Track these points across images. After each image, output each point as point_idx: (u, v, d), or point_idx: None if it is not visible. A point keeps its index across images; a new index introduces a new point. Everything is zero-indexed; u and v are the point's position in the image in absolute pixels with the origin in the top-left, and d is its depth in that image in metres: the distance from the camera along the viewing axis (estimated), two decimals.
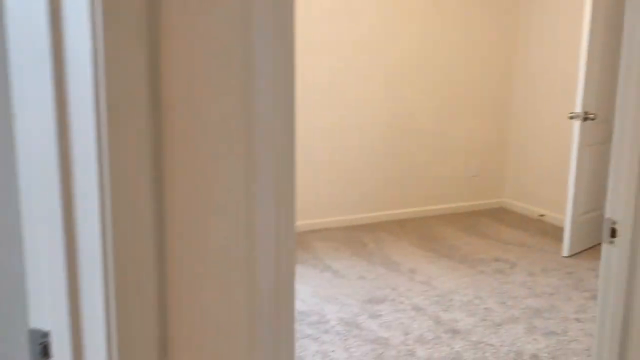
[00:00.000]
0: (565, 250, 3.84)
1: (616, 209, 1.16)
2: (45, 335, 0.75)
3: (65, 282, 0.69)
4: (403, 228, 4.51)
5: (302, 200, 4.34)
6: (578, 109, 3.66)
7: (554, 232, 4.40)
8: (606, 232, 1.16)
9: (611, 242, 1.16)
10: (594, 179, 3.92)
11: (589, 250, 3.99)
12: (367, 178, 4.58)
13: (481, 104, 4.91)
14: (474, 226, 4.57)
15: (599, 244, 4.16)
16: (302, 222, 4.39)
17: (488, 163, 5.06)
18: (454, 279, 3.46)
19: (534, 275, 3.53)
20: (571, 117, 3.71)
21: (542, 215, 4.78)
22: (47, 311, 0.73)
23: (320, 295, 3.23)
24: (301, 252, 3.92)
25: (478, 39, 4.77)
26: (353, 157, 4.50)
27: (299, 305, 3.05)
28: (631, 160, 1.11)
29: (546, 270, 3.61)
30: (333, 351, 2.62)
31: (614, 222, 1.17)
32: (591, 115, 3.68)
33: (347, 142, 4.45)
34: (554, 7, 4.51)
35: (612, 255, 1.11)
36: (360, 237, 4.25)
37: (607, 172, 4.04)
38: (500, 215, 4.91)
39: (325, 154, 4.39)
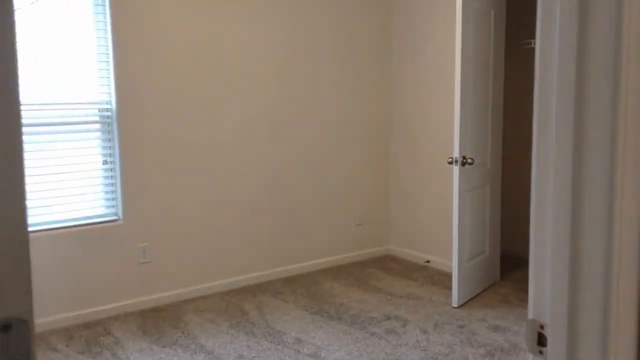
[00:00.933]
0: (455, 300, 3.68)
1: (542, 308, 0.88)
2: (542, 327, 0.87)
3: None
4: (289, 287, 4.13)
5: (173, 264, 3.83)
6: (456, 153, 3.57)
7: (441, 279, 4.26)
8: (531, 340, 0.88)
9: (540, 353, 0.88)
10: (477, 222, 3.84)
11: (477, 297, 3.87)
12: (247, 235, 4.18)
13: (361, 151, 4.75)
14: (362, 278, 4.31)
15: (485, 289, 4.14)
16: (173, 291, 3.86)
17: (372, 211, 4.88)
18: (345, 347, 3.12)
19: (427, 332, 3.30)
20: (450, 162, 3.61)
21: (427, 262, 4.65)
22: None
23: None
24: (170, 329, 3.39)
25: (355, 86, 4.63)
26: (230, 213, 4.08)
27: None
28: (559, 238, 0.84)
29: (438, 325, 3.40)
30: None
31: (541, 326, 0.88)
32: (469, 160, 3.61)
33: (222, 197, 4.03)
34: (427, 52, 4.50)
35: None
36: (241, 304, 3.80)
37: (488, 214, 4.01)
38: (388, 263, 4.72)
39: (197, 211, 3.93)
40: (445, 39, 4.30)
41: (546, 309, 0.87)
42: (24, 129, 3.33)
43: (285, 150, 4.31)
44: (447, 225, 4.44)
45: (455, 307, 3.67)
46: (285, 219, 4.36)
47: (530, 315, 0.90)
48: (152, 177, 3.72)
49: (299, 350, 3.08)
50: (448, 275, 4.34)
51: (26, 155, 3.33)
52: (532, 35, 4.50)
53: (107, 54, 3.52)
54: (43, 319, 3.38)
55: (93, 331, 3.39)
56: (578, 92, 0.80)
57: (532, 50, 4.53)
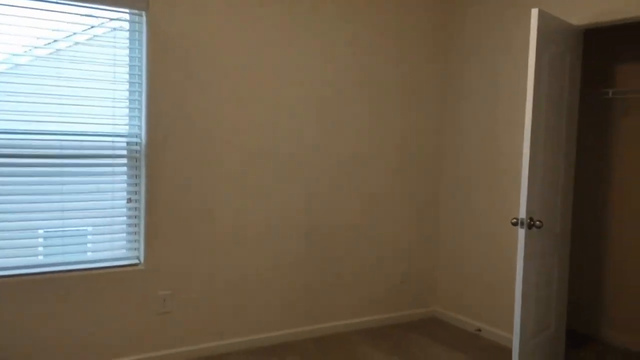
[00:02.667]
0: None
1: None
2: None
3: None
4: (319, 349, 3.69)
5: (195, 316, 3.45)
6: (522, 214, 3.10)
7: (495, 354, 3.72)
8: None
9: None
10: (542, 294, 3.33)
11: None
12: (276, 289, 3.77)
13: (409, 200, 4.32)
14: (403, 345, 3.83)
15: None
16: (193, 346, 3.47)
17: (417, 267, 4.41)
18: None
19: None
20: (514, 223, 3.14)
21: (478, 330, 4.12)
22: None
23: None
24: None
25: (407, 128, 4.24)
26: (259, 263, 3.70)
27: None
28: None
29: None
30: None
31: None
32: (537, 222, 3.13)
33: (252, 245, 3.66)
34: (494, 93, 4.09)
35: None
36: None
37: (555, 285, 3.48)
38: (433, 328, 4.21)
39: (224, 260, 3.56)
40: (513, 82, 3.88)
41: None
42: (47, 159, 3.09)
43: (323, 197, 3.92)
44: (502, 291, 3.94)
45: None
46: (319, 272, 3.94)
47: None
48: (178, 220, 3.38)
49: None
50: (503, 350, 3.81)
51: (44, 188, 3.07)
52: (608, 84, 4.04)
53: (140, 83, 3.25)
54: None
55: None
56: None
57: (608, 101, 4.06)
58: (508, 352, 3.76)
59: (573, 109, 3.55)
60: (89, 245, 3.22)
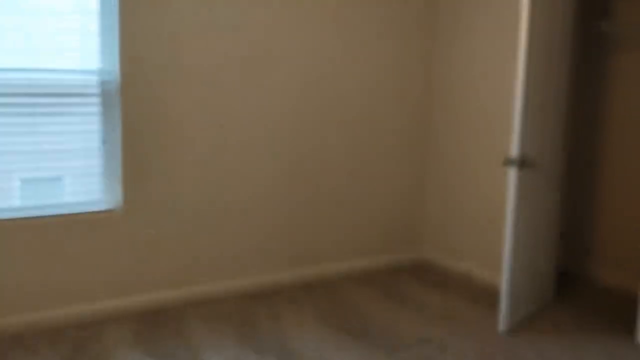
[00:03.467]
0: (503, 323, 3.13)
1: None
2: None
3: None
4: (309, 295, 3.64)
5: (179, 259, 3.38)
6: (514, 152, 2.99)
7: (485, 295, 3.71)
8: None
9: None
10: (532, 233, 3.27)
11: (528, 321, 3.31)
12: (263, 230, 3.69)
13: (397, 138, 4.19)
14: (393, 289, 3.79)
15: (538, 311, 3.56)
16: (172, 292, 3.41)
17: (406, 209, 4.34)
18: None
19: None
20: (507, 163, 3.04)
21: (469, 271, 4.09)
22: None
23: None
24: (169, 338, 2.94)
25: (392, 64, 4.07)
26: (245, 204, 3.60)
27: None
28: None
29: (484, 354, 2.86)
30: None
31: None
32: (530, 161, 3.03)
33: (237, 186, 3.55)
34: (483, 27, 3.91)
35: None
36: (253, 313, 3.33)
37: (545, 225, 3.42)
38: (422, 271, 4.18)
39: (209, 202, 3.46)
40: (504, 15, 3.71)
41: None
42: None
43: (308, 133, 3.79)
44: (492, 233, 3.88)
45: (502, 332, 3.12)
46: (306, 214, 3.86)
47: None
48: (157, 161, 3.25)
49: None
50: (492, 290, 3.79)
51: (15, 131, 2.90)
52: (600, 17, 3.88)
53: (113, 13, 3.04)
54: (26, 317, 2.97)
55: (82, 334, 2.95)
56: None
57: (601, 34, 3.90)
58: (497, 291, 3.73)
59: (568, 43, 3.40)
60: (65, 188, 3.09)
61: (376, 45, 3.96)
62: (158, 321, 3.15)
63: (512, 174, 3.01)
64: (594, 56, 3.99)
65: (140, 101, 3.14)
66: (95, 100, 3.07)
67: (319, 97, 3.78)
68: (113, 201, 3.20)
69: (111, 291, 3.21)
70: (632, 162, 3.82)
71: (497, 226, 3.83)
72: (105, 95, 3.08)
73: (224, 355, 2.78)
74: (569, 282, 4.02)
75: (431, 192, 4.37)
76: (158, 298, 3.35)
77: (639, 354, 2.91)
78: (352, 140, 3.97)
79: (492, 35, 3.81)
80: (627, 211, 3.86)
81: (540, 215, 3.35)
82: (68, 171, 3.08)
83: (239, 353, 2.80)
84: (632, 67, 3.78)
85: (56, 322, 3.05)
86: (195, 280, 3.47)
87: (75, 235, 3.07)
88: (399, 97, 4.13)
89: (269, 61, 3.55)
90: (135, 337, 2.94)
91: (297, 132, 3.72)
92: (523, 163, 3.00)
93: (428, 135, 4.33)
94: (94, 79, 3.05)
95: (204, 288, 3.50)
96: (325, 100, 3.81)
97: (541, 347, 2.97)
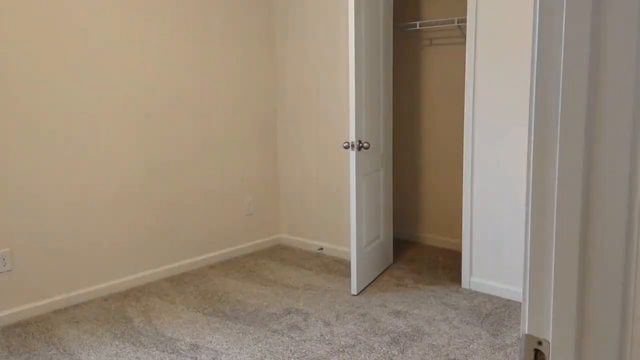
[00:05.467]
0: (354, 288, 3.61)
1: (542, 322, 0.74)
2: (540, 343, 0.74)
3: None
4: (176, 287, 3.81)
5: (39, 270, 3.33)
6: (352, 138, 3.47)
7: (337, 267, 4.18)
8: (527, 356, 0.74)
9: None
10: (372, 207, 3.79)
11: (374, 282, 3.84)
12: (124, 232, 3.76)
13: (248, 137, 4.50)
14: (256, 271, 4.10)
15: (381, 273, 4.12)
16: (40, 302, 3.37)
17: (261, 199, 4.67)
18: (246, 348, 2.90)
19: (330, 324, 3.18)
20: (346, 147, 3.50)
21: (321, 249, 4.55)
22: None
23: None
24: (41, 346, 2.94)
25: (240, 69, 4.35)
26: (104, 208, 3.64)
27: None
28: (565, 242, 0.70)
29: (340, 315, 3.31)
30: None
31: (539, 342, 0.75)
32: (365, 144, 3.53)
33: (94, 190, 3.58)
34: (315, 35, 4.35)
35: None
36: (123, 310, 3.42)
37: (382, 199, 3.99)
38: (280, 253, 4.55)
39: (66, 208, 3.45)
40: (333, 23, 4.18)
41: (547, 324, 0.74)
42: None
43: (165, 136, 3.94)
44: (338, 211, 4.37)
45: (354, 295, 3.60)
46: (167, 212, 4.00)
47: (526, 329, 0.76)
48: (11, 164, 3.18)
49: (196, 358, 2.81)
50: (343, 262, 4.28)
51: None
52: (415, 17, 4.53)
53: None
54: None
55: None
56: (590, 82, 0.67)
57: (416, 33, 4.56)
58: (347, 263, 4.23)
59: (388, 43, 3.96)
60: None
61: (223, 49, 4.21)
62: (28, 333, 3.11)
63: (352, 156, 3.48)
64: (410, 52, 4.65)
65: None
66: None
67: (173, 100, 3.93)
68: None
69: None
70: (446, 144, 4.55)
71: (342, 205, 4.33)
72: None
73: (104, 353, 2.87)
74: (405, 247, 4.67)
75: (283, 180, 4.75)
76: (21, 311, 3.28)
77: (461, 296, 3.57)
78: (207, 138, 4.18)
79: (323, 39, 4.27)
80: (445, 185, 4.60)
81: (377, 191, 3.89)
82: None
83: (118, 349, 2.91)
84: (440, 60, 4.49)
85: None
86: (59, 289, 3.45)
87: None
88: (247, 94, 4.43)
89: (129, 66, 3.61)
90: (7, 351, 2.89)
91: (153, 136, 3.84)
92: (359, 147, 3.49)
93: (276, 129, 4.70)
94: None
95: (69, 295, 3.49)
96: (179, 102, 3.97)
97: (386, 300, 3.50)
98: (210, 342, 2.98)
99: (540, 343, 0.76)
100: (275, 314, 3.34)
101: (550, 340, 0.75)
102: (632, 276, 0.68)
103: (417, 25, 4.43)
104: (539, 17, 0.69)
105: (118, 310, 3.42)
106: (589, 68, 0.67)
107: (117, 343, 2.97)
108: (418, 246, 4.70)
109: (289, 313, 3.35)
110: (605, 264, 0.70)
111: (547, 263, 0.74)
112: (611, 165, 0.67)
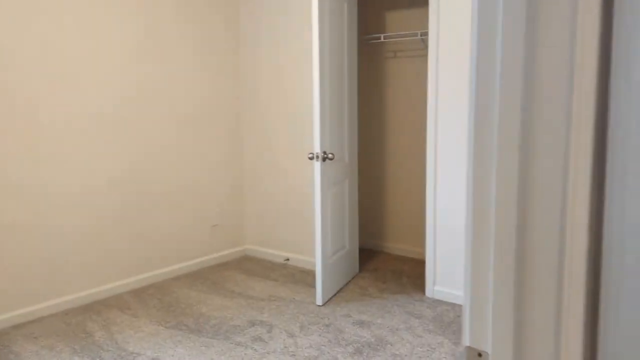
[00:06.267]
0: (319, 298, 3.61)
1: (481, 333, 0.76)
2: (480, 354, 0.74)
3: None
4: (139, 300, 3.74)
5: (5, 285, 3.24)
6: (316, 149, 3.48)
7: (303, 277, 4.18)
8: None
9: None
10: (338, 217, 3.81)
11: (340, 292, 3.85)
12: (86, 244, 3.69)
13: (214, 149, 4.47)
14: (220, 283, 4.07)
15: (347, 283, 4.14)
16: (3, 315, 3.27)
17: (227, 211, 4.64)
18: None
19: (294, 335, 3.18)
20: (310, 158, 3.52)
21: (287, 260, 4.55)
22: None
23: None
24: None
25: (206, 82, 4.33)
26: (65, 219, 3.56)
27: None
28: (502, 251, 0.72)
29: (304, 326, 3.30)
30: None
31: (479, 354, 0.77)
32: (330, 155, 3.55)
33: (55, 201, 3.51)
34: (279, 47, 4.36)
35: None
36: (84, 324, 3.34)
37: (348, 209, 4.01)
38: (245, 264, 4.53)
39: (24, 218, 3.37)
40: (296, 35, 4.21)
41: (486, 336, 0.76)
42: None
43: (129, 148, 3.89)
44: (304, 222, 4.37)
45: (319, 305, 3.60)
46: (130, 224, 3.95)
47: (467, 341, 0.78)
48: None
49: None
50: (309, 273, 4.28)
51: None
52: (378, 30, 4.59)
53: None
54: None
55: None
56: (525, 84, 0.69)
57: (381, 45, 4.62)
58: (313, 273, 4.23)
59: (353, 55, 4.00)
60: None
61: (188, 56, 4.18)
62: None
63: (317, 167, 3.50)
64: (375, 64, 4.71)
65: None
66: None
67: (137, 109, 3.88)
68: None
69: None
70: (410, 154, 4.61)
71: (308, 215, 4.33)
72: None
73: None
74: (371, 256, 4.70)
75: (249, 192, 4.74)
76: None
77: (424, 305, 3.61)
78: (171, 148, 4.14)
79: (290, 47, 4.29)
80: (409, 194, 4.65)
81: (342, 201, 3.91)
82: None
83: None
84: (404, 72, 4.56)
85: None
86: (16, 304, 3.36)
87: None
88: (213, 104, 4.41)
89: (89, 78, 3.56)
90: None
91: (116, 148, 3.79)
92: (324, 158, 3.51)
93: (242, 139, 4.68)
94: None
95: (27, 310, 3.40)
96: (144, 111, 3.93)
97: (351, 310, 3.51)
98: (172, 356, 2.94)
99: (480, 355, 0.78)
100: (239, 326, 3.31)
101: (489, 352, 0.77)
102: (565, 289, 0.71)
103: (382, 38, 4.49)
104: (477, 33, 0.72)
105: (79, 324, 3.34)
106: (523, 77, 0.69)
107: (76, 359, 2.91)
108: (384, 255, 4.73)
109: (253, 325, 3.33)
110: (541, 277, 0.72)
111: (485, 275, 0.76)
112: (546, 179, 0.70)
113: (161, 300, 3.73)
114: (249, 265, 4.51)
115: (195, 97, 4.29)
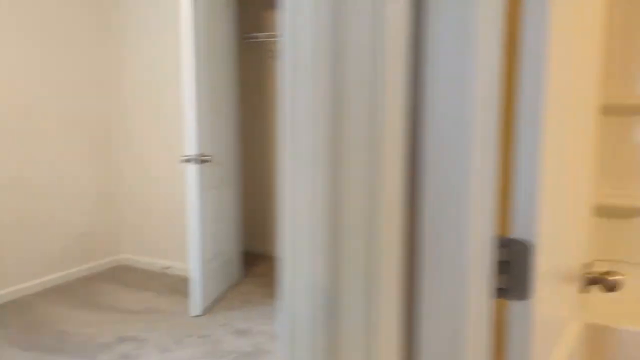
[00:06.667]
0: (196, 308, 3.43)
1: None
2: None
3: None
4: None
5: None
6: (192, 151, 3.30)
7: (183, 286, 3.97)
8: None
9: None
10: (217, 222, 3.65)
11: (220, 300, 3.69)
12: None
13: (79, 153, 4.12)
14: (89, 296, 3.75)
15: (228, 290, 3.97)
16: None
17: (98, 217, 4.30)
18: None
19: (168, 350, 2.98)
20: (186, 160, 3.33)
21: (167, 268, 4.30)
22: None
23: None
24: None
25: (70, 80, 3.98)
26: None
27: None
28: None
29: (180, 340, 3.11)
30: None
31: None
32: (207, 157, 3.38)
33: None
34: (148, 46, 4.12)
35: None
36: None
37: (229, 213, 3.85)
38: (120, 275, 4.22)
39: None
40: (167, 33, 3.99)
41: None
42: None
43: None
44: (183, 229, 4.16)
45: (198, 316, 3.42)
46: None
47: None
48: None
49: None
50: (188, 281, 4.06)
51: None
52: (259, 29, 4.50)
53: None
54: None
55: None
56: (334, 86, 0.61)
57: (261, 44, 4.53)
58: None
59: (232, 53, 3.86)
60: None
61: (53, 50, 3.82)
62: None
63: (193, 170, 3.31)
64: (256, 64, 4.60)
65: None
66: None
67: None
68: None
69: None
70: None
71: (186, 221, 4.12)
72: None
73: None
74: (257, 261, 4.58)
75: (124, 196, 4.43)
76: None
77: None
78: (32, 158, 3.76)
79: (161, 52, 4.06)
80: None
81: (222, 205, 3.76)
82: None
83: None
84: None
85: None
86: None
87: None
88: (79, 104, 4.06)
89: None
90: None
91: None
92: (201, 160, 3.33)
93: (110, 139, 4.37)
94: None
95: None
96: (1, 113, 3.53)
97: (231, 318, 3.37)
98: None
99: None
100: (107, 343, 3.05)
101: None
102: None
103: (258, 37, 4.39)
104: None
105: None
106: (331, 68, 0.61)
107: None
108: (271, 260, 4.63)
109: (122, 341, 3.08)
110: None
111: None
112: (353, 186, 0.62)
113: (18, 319, 3.36)
114: (124, 276, 4.21)
115: (59, 94, 3.93)
